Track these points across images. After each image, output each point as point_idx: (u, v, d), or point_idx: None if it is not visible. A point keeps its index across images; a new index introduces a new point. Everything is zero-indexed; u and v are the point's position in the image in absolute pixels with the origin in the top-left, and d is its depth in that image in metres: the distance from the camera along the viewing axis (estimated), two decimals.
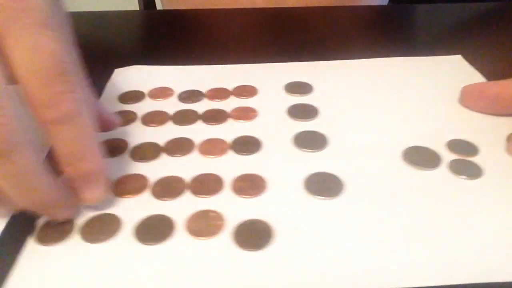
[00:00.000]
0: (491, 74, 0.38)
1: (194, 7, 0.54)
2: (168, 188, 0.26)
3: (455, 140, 0.30)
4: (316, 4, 0.55)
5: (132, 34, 0.49)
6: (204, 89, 0.36)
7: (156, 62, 0.40)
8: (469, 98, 0.33)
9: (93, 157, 0.23)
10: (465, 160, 0.28)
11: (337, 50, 0.43)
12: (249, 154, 0.29)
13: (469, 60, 0.40)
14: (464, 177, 0.27)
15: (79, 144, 0.22)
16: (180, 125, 0.32)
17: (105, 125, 0.28)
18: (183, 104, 0.35)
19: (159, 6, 0.82)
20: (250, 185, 0.26)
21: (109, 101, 0.35)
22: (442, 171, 0.28)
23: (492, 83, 0.34)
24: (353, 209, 0.25)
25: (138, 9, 0.82)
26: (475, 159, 0.29)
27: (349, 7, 0.55)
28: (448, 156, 0.29)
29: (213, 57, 0.42)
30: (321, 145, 0.30)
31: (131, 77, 0.38)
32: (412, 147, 0.29)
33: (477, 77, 0.38)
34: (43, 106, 0.21)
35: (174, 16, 0.52)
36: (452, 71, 0.39)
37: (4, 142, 0.19)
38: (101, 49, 0.45)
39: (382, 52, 0.42)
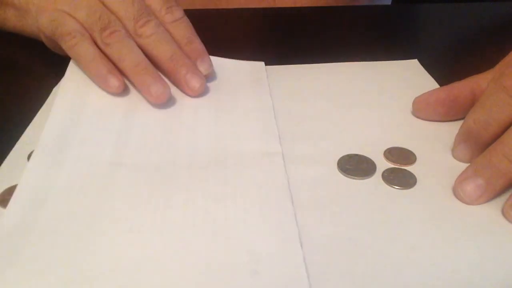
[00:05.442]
0: None
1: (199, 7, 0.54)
2: None
3: (394, 148, 0.30)
4: (314, 4, 0.55)
5: None
6: None
7: None
8: (426, 107, 0.32)
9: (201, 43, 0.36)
10: (400, 169, 0.28)
11: (334, 52, 0.43)
12: None
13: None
14: (396, 186, 0.27)
15: (191, 30, 0.36)
16: None
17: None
18: None
19: None
20: None
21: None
22: (375, 180, 0.27)
23: (446, 87, 0.33)
24: None
25: None
26: (411, 168, 0.28)
27: (349, 7, 0.54)
28: (384, 165, 0.28)
29: None
30: None
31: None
32: (348, 155, 0.29)
33: (430, 83, 0.37)
34: (163, 11, 0.36)
35: None
36: (405, 77, 0.38)
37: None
38: None
39: (382, 54, 0.41)
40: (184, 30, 0.36)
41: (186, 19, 0.37)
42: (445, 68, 0.40)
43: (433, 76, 0.38)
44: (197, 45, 0.36)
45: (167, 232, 0.23)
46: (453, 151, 0.29)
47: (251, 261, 0.21)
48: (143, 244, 0.22)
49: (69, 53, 0.34)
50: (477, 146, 0.27)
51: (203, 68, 0.35)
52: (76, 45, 0.33)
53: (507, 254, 0.23)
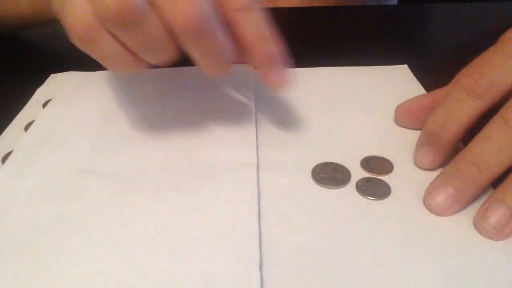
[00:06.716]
0: None
1: None
2: None
3: (372, 157, 0.29)
4: (311, 4, 0.54)
5: None
6: None
7: None
8: (408, 114, 0.32)
9: (275, 41, 0.26)
10: (376, 178, 0.27)
11: (334, 54, 0.42)
12: None
13: None
14: (369, 197, 0.26)
15: (264, 27, 0.26)
16: None
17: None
18: None
19: None
20: None
21: (32, 108, 0.34)
22: (348, 190, 0.27)
23: (428, 94, 0.32)
24: None
25: None
26: (387, 178, 0.27)
27: (351, 8, 0.54)
28: (359, 174, 0.28)
29: None
30: None
31: (64, 83, 0.38)
32: (324, 163, 0.28)
33: (417, 90, 0.36)
34: None
35: None
36: (392, 83, 0.37)
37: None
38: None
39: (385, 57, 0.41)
40: None
41: None
42: (450, 71, 0.39)
43: (435, 79, 0.37)
44: None
45: (124, 246, 0.23)
46: (415, 156, 0.28)
47: (204, 283, 0.21)
48: (97, 258, 0.22)
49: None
50: (438, 148, 0.27)
51: None
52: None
53: (478, 269, 0.22)
